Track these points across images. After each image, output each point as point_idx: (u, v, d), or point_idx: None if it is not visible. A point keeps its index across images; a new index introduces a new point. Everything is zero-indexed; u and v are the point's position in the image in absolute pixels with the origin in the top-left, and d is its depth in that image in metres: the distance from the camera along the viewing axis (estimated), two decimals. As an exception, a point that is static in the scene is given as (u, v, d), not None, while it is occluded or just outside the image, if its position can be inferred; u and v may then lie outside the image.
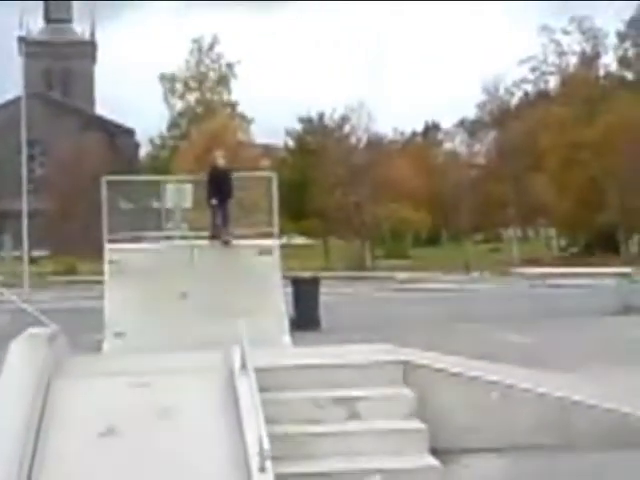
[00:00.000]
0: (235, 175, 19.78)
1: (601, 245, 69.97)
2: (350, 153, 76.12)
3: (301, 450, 9.45)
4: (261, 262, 18.61)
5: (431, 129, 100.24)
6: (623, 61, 75.83)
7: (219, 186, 18.81)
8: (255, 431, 7.63)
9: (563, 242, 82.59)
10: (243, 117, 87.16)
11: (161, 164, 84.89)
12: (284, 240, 23.85)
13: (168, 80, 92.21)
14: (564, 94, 73.07)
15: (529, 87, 79.29)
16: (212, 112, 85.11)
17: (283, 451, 8.56)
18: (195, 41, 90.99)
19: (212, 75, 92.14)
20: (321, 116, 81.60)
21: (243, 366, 9.26)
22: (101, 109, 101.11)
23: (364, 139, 79.02)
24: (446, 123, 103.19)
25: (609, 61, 76.53)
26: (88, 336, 18.30)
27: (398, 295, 33.24)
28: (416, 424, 9.98)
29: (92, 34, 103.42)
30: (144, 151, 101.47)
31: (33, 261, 56.65)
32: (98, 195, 20.03)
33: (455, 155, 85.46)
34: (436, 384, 10.59)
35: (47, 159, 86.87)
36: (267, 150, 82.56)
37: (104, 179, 19.93)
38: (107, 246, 18.82)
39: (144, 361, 11.61)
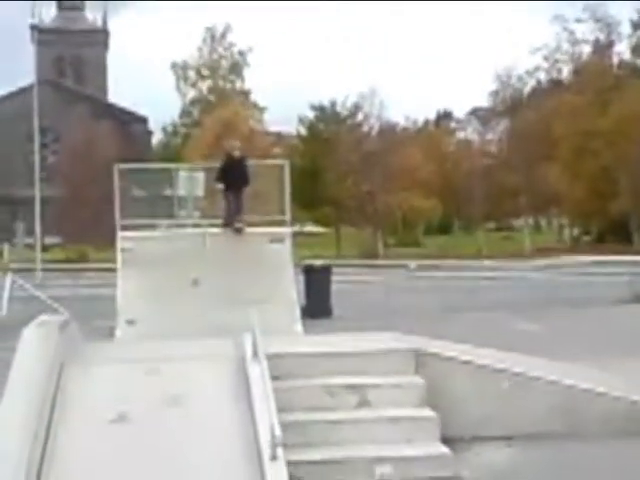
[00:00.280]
0: (249, 163, 19.79)
1: (614, 234, 69.84)
2: (362, 141, 76.09)
3: (312, 438, 9.46)
4: (273, 250, 18.62)
5: (443, 117, 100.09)
6: (637, 49, 75.46)
7: (233, 175, 18.81)
8: (266, 418, 7.65)
9: (576, 231, 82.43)
10: (255, 105, 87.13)
11: (173, 152, 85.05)
12: (296, 228, 23.82)
13: (180, 68, 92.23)
14: (577, 83, 72.82)
15: (542, 76, 79.09)
16: (225, 100, 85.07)
17: (294, 439, 8.57)
18: (208, 29, 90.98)
19: (224, 63, 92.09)
20: (333, 104, 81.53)
21: (255, 353, 9.27)
22: (113, 97, 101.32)
23: (376, 127, 78.98)
24: (458, 112, 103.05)
25: (623, 49, 76.30)
26: (100, 323, 18.37)
27: (409, 283, 33.14)
28: (427, 412, 9.98)
29: (104, 22, 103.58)
30: (156, 139, 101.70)
31: (45, 249, 56.84)
32: (110, 183, 20.06)
33: (467, 144, 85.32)
34: (447, 372, 10.58)
35: (59, 147, 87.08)
36: (279, 138, 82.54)
37: (116, 167, 19.95)
38: (119, 234, 18.85)
39: (156, 348, 11.64)
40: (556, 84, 77.13)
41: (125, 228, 19.05)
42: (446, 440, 9.77)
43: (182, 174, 21.20)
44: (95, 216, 64.24)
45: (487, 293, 29.04)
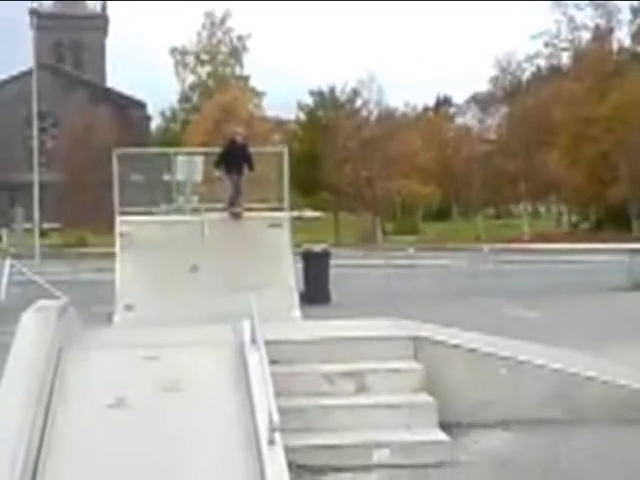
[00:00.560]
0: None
1: (612, 221, 69.89)
2: (361, 127, 76.04)
3: (310, 423, 9.48)
4: (271, 236, 18.61)
5: (443, 103, 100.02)
6: (636, 36, 75.39)
7: (235, 160, 18.80)
8: (264, 404, 7.66)
9: (574, 218, 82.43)
10: (254, 91, 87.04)
11: (172, 137, 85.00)
12: (295, 213, 23.80)
13: (179, 53, 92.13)
14: (577, 69, 72.75)
15: (542, 62, 79.02)
16: (224, 85, 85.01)
17: (292, 424, 8.58)
18: (207, 14, 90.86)
19: (224, 48, 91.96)
20: (332, 90, 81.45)
21: (253, 339, 9.28)
22: (112, 82, 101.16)
23: (375, 113, 78.94)
24: (458, 97, 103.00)
25: (623, 36, 76.20)
26: (98, 308, 18.37)
27: (408, 270, 33.18)
28: (425, 398, 9.99)
29: (104, 7, 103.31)
30: (155, 124, 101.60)
31: (44, 233, 56.90)
32: (109, 168, 20.04)
33: (466, 130, 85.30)
34: (446, 358, 10.60)
35: (58, 132, 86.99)
36: (278, 124, 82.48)
37: (115, 152, 19.92)
38: (118, 219, 18.83)
39: (154, 334, 11.66)
40: (556, 70, 77.10)
41: (124, 213, 19.03)
42: (444, 426, 9.80)
43: (181, 159, 21.16)
44: (94, 201, 64.27)
45: (485, 279, 29.03)
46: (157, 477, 7.30)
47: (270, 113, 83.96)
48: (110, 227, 19.82)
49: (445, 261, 40.60)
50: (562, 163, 67.54)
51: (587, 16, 73.63)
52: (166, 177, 21.65)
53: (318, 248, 23.88)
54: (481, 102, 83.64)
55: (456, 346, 10.79)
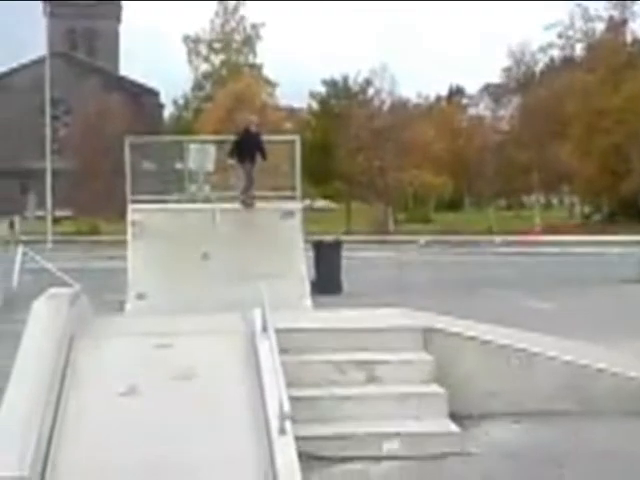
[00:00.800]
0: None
1: (625, 213, 69.62)
2: (374, 117, 75.91)
3: (321, 413, 9.49)
4: (283, 225, 18.61)
5: (455, 93, 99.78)
6: (651, 28, 75.11)
7: (249, 148, 18.80)
8: (275, 393, 7.67)
9: (586, 209, 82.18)
10: (267, 80, 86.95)
11: (185, 125, 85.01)
12: (307, 203, 23.79)
13: (192, 41, 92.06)
14: (590, 60, 72.48)
15: (555, 53, 78.73)
16: (237, 74, 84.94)
17: (303, 413, 8.59)
18: (220, 2, 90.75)
19: (237, 37, 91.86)
20: (345, 79, 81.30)
21: (264, 328, 9.30)
22: (125, 70, 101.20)
23: (388, 102, 78.80)
24: (471, 88, 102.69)
25: (636, 27, 75.97)
26: (110, 297, 18.41)
27: (420, 259, 33.22)
28: (435, 389, 9.99)
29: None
30: (168, 112, 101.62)
31: (56, 221, 56.98)
32: (121, 156, 20.07)
33: (479, 120, 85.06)
34: (456, 349, 10.59)
35: (71, 119, 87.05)
36: (291, 113, 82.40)
37: (127, 140, 19.94)
38: (130, 207, 18.87)
39: (166, 322, 11.67)
40: (569, 61, 76.82)
41: (136, 201, 19.06)
42: (455, 417, 9.80)
43: (193, 148, 21.17)
44: (106, 189, 64.28)
45: (496, 270, 29.03)
46: (168, 465, 7.32)
47: (283, 102, 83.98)
48: (122, 215, 19.86)
49: (456, 252, 40.58)
50: (574, 154, 67.32)
51: (601, 7, 73.40)
52: (178, 165, 21.66)
53: (330, 238, 23.88)
54: (494, 93, 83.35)
55: (467, 337, 10.78)
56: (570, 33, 74.86)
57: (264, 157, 18.94)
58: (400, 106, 78.42)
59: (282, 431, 7.34)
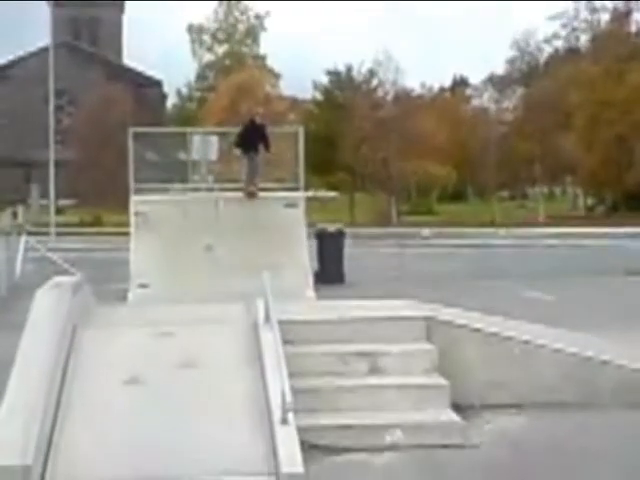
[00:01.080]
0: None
1: (628, 204, 69.60)
2: (377, 107, 75.80)
3: (323, 403, 9.50)
4: (286, 215, 18.62)
5: (459, 84, 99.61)
6: (655, 18, 74.90)
7: (253, 140, 18.80)
8: (278, 383, 7.69)
9: (590, 201, 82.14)
10: (271, 70, 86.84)
11: (188, 115, 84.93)
12: (310, 193, 23.78)
13: (196, 31, 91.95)
14: (594, 51, 72.39)
15: (560, 43, 78.61)
16: (240, 64, 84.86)
17: (305, 404, 8.60)
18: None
19: (241, 27, 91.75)
20: (349, 69, 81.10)
21: (267, 318, 9.30)
22: (128, 59, 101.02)
23: (391, 93, 78.67)
24: (475, 79, 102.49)
25: (641, 17, 75.65)
26: (113, 286, 18.44)
27: (423, 251, 33.19)
28: (438, 379, 10.00)
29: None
30: (171, 102, 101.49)
31: (60, 211, 56.96)
32: (125, 146, 20.08)
33: (483, 111, 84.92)
34: (459, 340, 10.60)
35: (74, 109, 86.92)
36: (294, 103, 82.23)
37: (130, 130, 19.94)
38: (133, 198, 18.88)
39: (168, 311, 11.69)
40: (573, 52, 76.71)
41: (139, 192, 19.07)
42: (457, 407, 9.81)
43: (196, 138, 21.18)
44: (109, 179, 64.24)
45: (500, 261, 29.02)
46: (169, 453, 7.33)
47: (286, 93, 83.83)
48: (125, 205, 19.86)
49: (459, 243, 40.56)
50: (578, 146, 67.29)
51: (606, -3, 73.33)
52: (181, 156, 21.67)
53: (333, 228, 23.85)
54: (498, 83, 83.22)
55: (470, 328, 10.78)
56: (575, 24, 74.91)
57: (268, 149, 18.94)
58: (404, 97, 78.27)
59: (284, 421, 7.36)
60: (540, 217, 68.67)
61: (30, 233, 26.57)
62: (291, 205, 18.73)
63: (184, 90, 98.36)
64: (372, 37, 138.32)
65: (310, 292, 17.84)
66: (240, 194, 18.86)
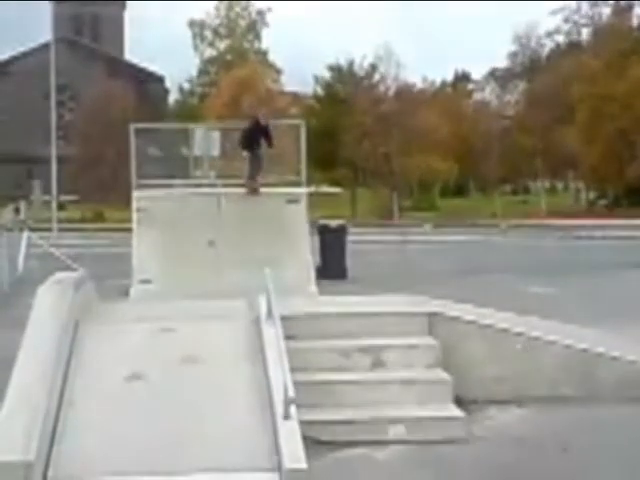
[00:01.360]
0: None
1: (631, 198, 69.53)
2: (379, 102, 75.74)
3: (325, 398, 9.51)
4: (288, 211, 18.60)
5: (461, 79, 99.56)
6: (657, 13, 74.72)
7: (257, 140, 18.78)
8: (280, 378, 7.68)
9: (592, 195, 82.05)
10: (273, 66, 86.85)
11: (190, 111, 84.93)
12: (312, 189, 23.75)
13: (198, 27, 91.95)
14: (596, 45, 72.28)
15: (561, 38, 78.50)
16: (242, 60, 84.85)
17: (307, 398, 8.60)
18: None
19: (242, 22, 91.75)
20: (350, 64, 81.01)
21: (269, 313, 9.30)
22: (130, 55, 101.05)
23: (393, 88, 78.60)
24: (476, 73, 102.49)
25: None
26: (115, 282, 18.44)
27: (425, 246, 33.18)
28: (440, 374, 10.01)
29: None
30: (173, 98, 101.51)
31: (62, 207, 57.01)
32: (127, 141, 20.05)
33: (485, 105, 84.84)
34: (461, 335, 10.60)
35: (76, 105, 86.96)
36: (296, 99, 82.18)
37: (132, 127, 19.92)
38: (135, 193, 18.86)
39: (170, 307, 11.70)
40: (575, 46, 76.60)
41: (141, 187, 19.06)
42: (459, 402, 9.83)
43: (198, 134, 21.15)
44: (111, 175, 64.38)
45: (502, 256, 29.02)
46: (172, 449, 7.34)
47: (288, 88, 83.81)
48: (127, 201, 19.85)
49: (461, 237, 40.55)
50: (580, 140, 67.19)
51: (607, -9, 73.18)
52: (184, 152, 21.65)
53: (335, 223, 23.83)
54: (500, 78, 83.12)
55: (472, 322, 10.79)
56: (576, 18, 74.72)
57: (270, 145, 18.91)
58: (406, 91, 78.19)
59: (287, 416, 7.36)
60: (542, 211, 68.60)
61: (32, 229, 26.55)
62: (293, 201, 18.70)
63: (186, 85, 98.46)
64: (374, 32, 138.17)
65: (312, 287, 17.82)
66: (242, 190, 18.85)
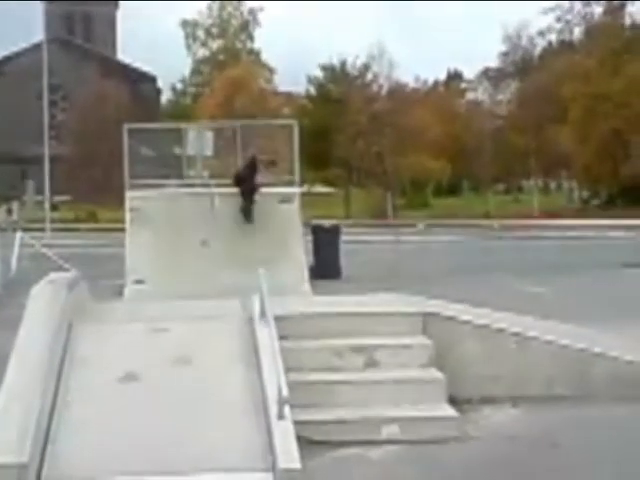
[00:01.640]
0: (257, 123, 19.75)
1: (624, 198, 69.59)
2: (372, 101, 75.79)
3: (319, 398, 9.49)
4: (282, 210, 18.61)
5: (454, 78, 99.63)
6: (649, 11, 74.86)
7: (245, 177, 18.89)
8: (274, 378, 7.68)
9: (585, 194, 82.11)
10: (265, 65, 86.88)
11: (182, 111, 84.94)
12: (305, 189, 23.75)
13: (190, 26, 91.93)
14: (588, 44, 72.35)
15: (553, 37, 78.55)
16: (234, 59, 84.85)
17: (302, 398, 8.59)
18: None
19: (234, 22, 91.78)
20: (343, 64, 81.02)
21: (262, 313, 9.30)
22: (123, 55, 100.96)
23: (386, 87, 78.66)
24: (469, 72, 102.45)
25: (634, 10, 75.60)
26: (109, 282, 18.42)
27: (418, 245, 33.15)
28: (434, 373, 10.00)
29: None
30: (165, 98, 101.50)
31: (55, 207, 56.93)
32: (119, 141, 20.06)
33: (477, 104, 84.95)
34: (455, 334, 10.59)
35: (69, 105, 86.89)
36: (289, 98, 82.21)
37: (125, 127, 19.91)
38: (128, 193, 18.86)
39: (164, 307, 11.70)
40: (567, 45, 76.67)
41: (134, 187, 19.05)
42: (453, 401, 9.81)
43: (191, 133, 21.16)
44: (104, 175, 64.28)
45: (495, 255, 29.02)
46: (166, 450, 7.33)
47: (281, 88, 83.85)
48: (120, 201, 19.86)
49: (455, 237, 40.58)
50: (573, 139, 67.27)
51: (599, -10, 73.22)
52: (177, 151, 21.65)
53: (328, 223, 23.83)
54: (492, 77, 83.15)
55: (465, 322, 10.78)
56: (568, 17, 74.73)
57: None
58: (398, 90, 78.26)
59: (281, 416, 7.35)
60: (535, 211, 68.65)
61: (25, 229, 26.51)
62: (286, 200, 18.72)
63: (179, 85, 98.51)
64: (366, 31, 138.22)
65: (306, 287, 17.83)
66: (235, 189, 18.85)
